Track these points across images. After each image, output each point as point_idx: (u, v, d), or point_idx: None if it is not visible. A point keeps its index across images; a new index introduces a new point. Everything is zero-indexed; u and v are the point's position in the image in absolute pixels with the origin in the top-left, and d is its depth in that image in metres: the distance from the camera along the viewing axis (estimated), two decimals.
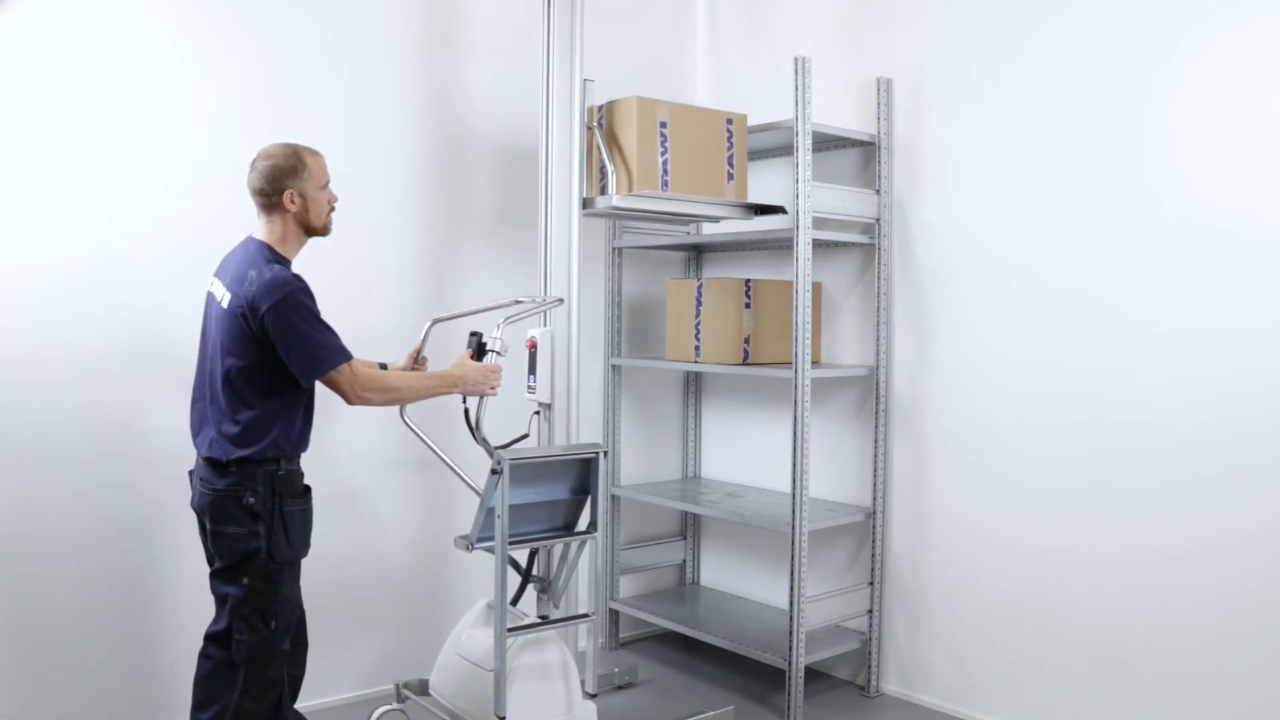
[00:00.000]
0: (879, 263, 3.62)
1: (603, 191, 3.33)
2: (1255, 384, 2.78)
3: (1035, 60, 3.24)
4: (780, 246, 3.96)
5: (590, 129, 3.34)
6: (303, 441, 2.67)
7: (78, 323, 3.00)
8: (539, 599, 3.10)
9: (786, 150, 3.83)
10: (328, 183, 2.70)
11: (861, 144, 3.68)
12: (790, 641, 3.41)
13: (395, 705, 3.21)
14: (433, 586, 3.71)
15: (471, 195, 3.75)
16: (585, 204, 3.31)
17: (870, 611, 3.65)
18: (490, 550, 2.74)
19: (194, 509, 2.67)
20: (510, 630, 2.74)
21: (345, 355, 2.57)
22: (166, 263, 3.13)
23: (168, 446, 3.09)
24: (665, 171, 3.35)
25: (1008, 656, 3.34)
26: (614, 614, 4.18)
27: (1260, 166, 2.77)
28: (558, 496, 2.86)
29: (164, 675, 3.16)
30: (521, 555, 3.08)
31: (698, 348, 3.76)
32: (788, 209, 3.55)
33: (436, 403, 2.91)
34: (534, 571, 3.10)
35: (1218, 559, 2.85)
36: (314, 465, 3.45)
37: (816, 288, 3.79)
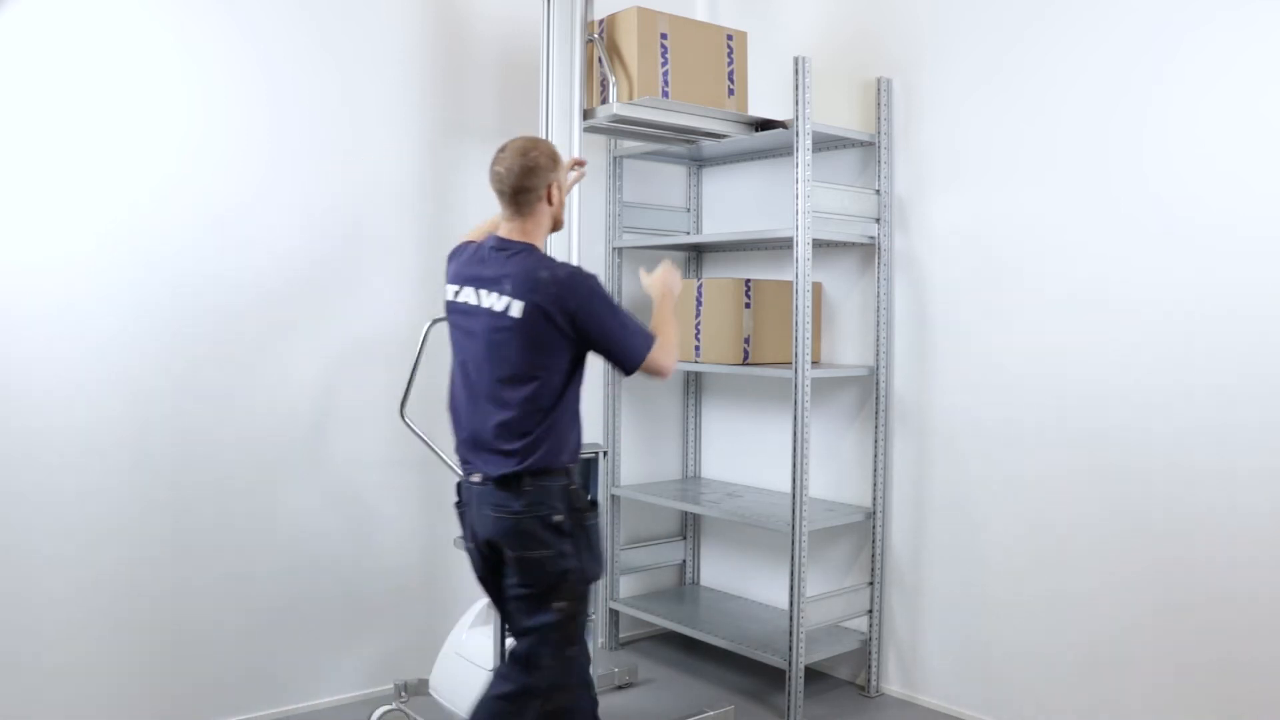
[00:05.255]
0: (879, 263, 3.62)
1: (603, 101, 3.35)
2: (1258, 386, 2.78)
3: (1036, 61, 3.23)
4: (780, 246, 3.96)
5: (590, 42, 3.35)
6: (580, 450, 2.52)
7: (77, 330, 3.01)
8: None
9: (786, 150, 3.83)
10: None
11: (861, 144, 3.68)
12: (790, 641, 3.41)
13: (395, 705, 3.21)
14: (432, 586, 3.71)
15: (471, 178, 3.76)
16: (586, 115, 3.30)
17: (870, 611, 3.65)
18: None
19: (479, 541, 2.49)
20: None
21: (651, 336, 2.46)
22: (170, 263, 3.13)
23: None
24: (666, 82, 3.37)
25: (1008, 657, 3.34)
26: (614, 614, 4.18)
27: (1261, 167, 2.76)
28: None
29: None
30: None
31: (698, 348, 3.76)
32: (787, 126, 3.44)
33: (436, 403, 2.90)
34: None
35: (1218, 561, 2.85)
36: (314, 465, 3.45)
37: (816, 288, 3.79)
